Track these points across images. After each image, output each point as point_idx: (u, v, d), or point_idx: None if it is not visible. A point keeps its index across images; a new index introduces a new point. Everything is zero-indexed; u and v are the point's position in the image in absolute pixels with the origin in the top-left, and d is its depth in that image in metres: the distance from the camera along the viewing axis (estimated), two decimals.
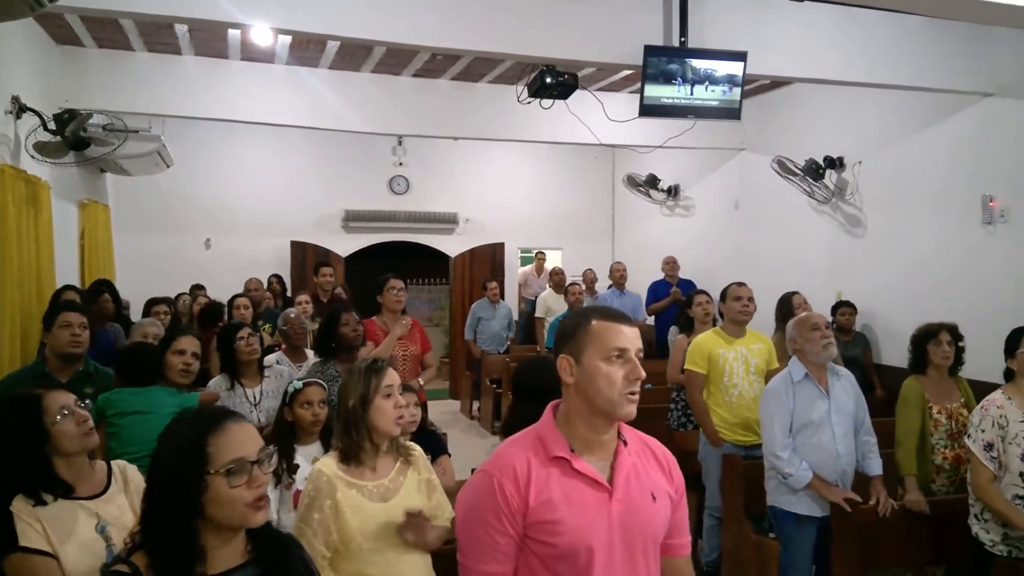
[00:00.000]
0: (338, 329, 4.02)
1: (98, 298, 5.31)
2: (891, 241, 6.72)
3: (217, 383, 3.97)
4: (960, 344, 3.94)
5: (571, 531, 1.60)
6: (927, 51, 5.58)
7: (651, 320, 8.63)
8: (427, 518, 2.31)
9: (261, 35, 5.82)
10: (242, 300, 5.76)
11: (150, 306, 5.67)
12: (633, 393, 1.64)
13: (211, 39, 6.53)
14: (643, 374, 1.66)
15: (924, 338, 3.95)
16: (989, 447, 3.11)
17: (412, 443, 2.57)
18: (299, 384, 3.15)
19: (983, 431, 3.13)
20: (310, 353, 4.70)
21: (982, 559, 3.14)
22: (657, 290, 8.49)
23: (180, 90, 6.91)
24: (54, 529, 2.01)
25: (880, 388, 6.29)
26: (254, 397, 3.93)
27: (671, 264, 8.57)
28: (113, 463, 2.28)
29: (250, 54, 6.89)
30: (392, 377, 2.44)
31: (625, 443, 1.72)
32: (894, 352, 6.38)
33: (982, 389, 3.58)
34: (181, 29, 6.17)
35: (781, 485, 3.62)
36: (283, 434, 3.08)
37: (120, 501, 2.21)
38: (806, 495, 3.55)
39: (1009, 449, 3.10)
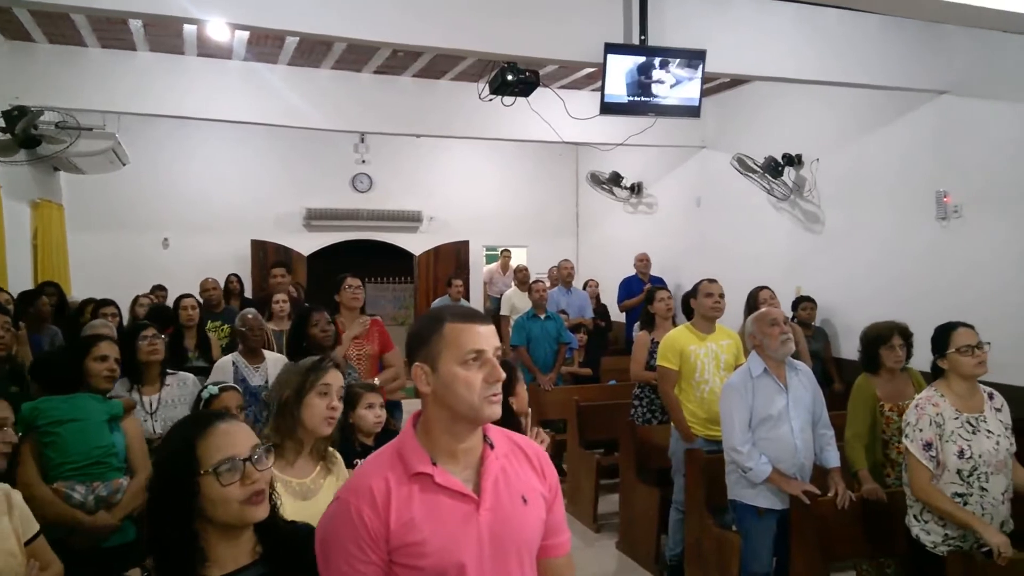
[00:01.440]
0: (308, 330, 3.96)
1: (35, 300, 5.15)
2: (848, 237, 6.83)
3: (115, 389, 3.80)
4: (910, 341, 3.98)
5: (437, 551, 1.50)
6: (883, 50, 5.68)
7: (623, 316, 8.70)
8: None
9: (217, 30, 5.73)
10: (188, 300, 5.62)
11: (99, 308, 5.51)
12: (495, 395, 1.55)
13: (166, 35, 6.41)
14: (503, 375, 1.56)
15: (876, 341, 3.94)
16: (928, 446, 3.07)
17: (336, 452, 2.51)
18: (215, 389, 3.00)
19: (921, 430, 3.10)
20: (268, 354, 4.60)
21: (923, 559, 3.15)
22: (630, 286, 8.55)
23: (135, 87, 6.77)
24: None
25: (839, 381, 6.39)
26: (151, 405, 3.72)
27: (644, 261, 8.63)
28: None
29: (207, 50, 6.78)
30: (333, 377, 2.39)
31: (492, 446, 1.63)
32: (852, 346, 6.46)
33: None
34: (135, 24, 6.05)
35: (741, 479, 3.66)
36: None
37: (3, 525, 2.17)
38: (766, 488, 3.60)
39: (946, 447, 3.07)
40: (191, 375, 4.12)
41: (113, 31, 6.26)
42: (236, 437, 1.60)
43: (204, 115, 7.28)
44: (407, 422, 1.66)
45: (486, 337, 1.57)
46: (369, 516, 1.50)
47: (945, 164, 5.87)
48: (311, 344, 3.94)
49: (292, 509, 2.18)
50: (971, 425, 3.08)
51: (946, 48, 5.71)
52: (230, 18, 4.33)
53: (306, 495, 2.30)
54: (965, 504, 3.04)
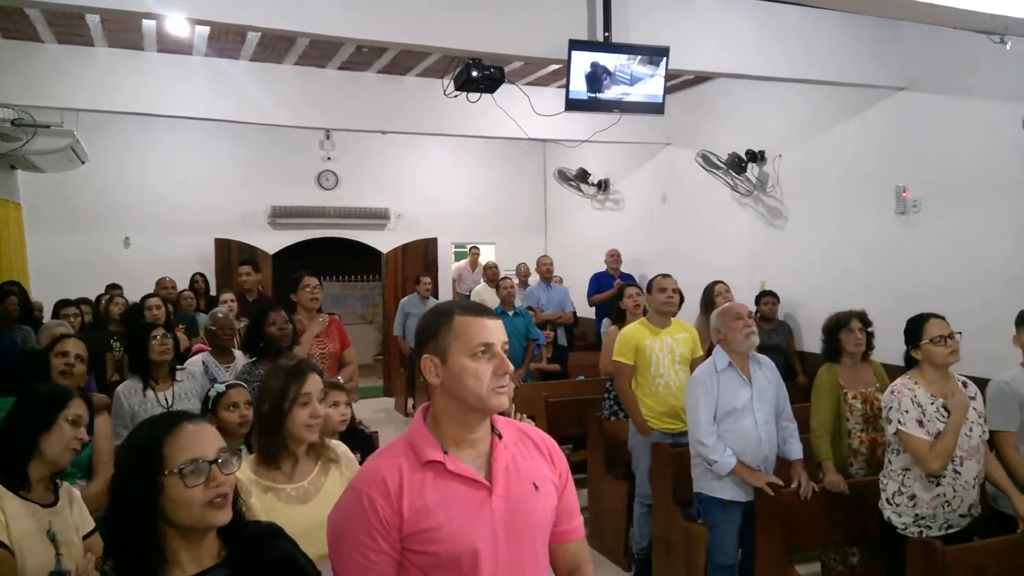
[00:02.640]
0: (265, 329, 3.92)
1: (3, 300, 5.06)
2: (810, 232, 6.93)
3: (128, 386, 3.83)
4: (870, 329, 4.07)
5: (451, 536, 1.53)
6: (843, 47, 5.76)
7: (592, 311, 8.74)
8: None
9: (177, 26, 5.63)
10: (154, 300, 5.57)
11: (59, 308, 5.43)
12: (502, 387, 1.59)
13: (125, 30, 6.28)
14: (511, 368, 1.62)
15: (836, 327, 4.04)
16: (920, 424, 3.13)
17: (336, 441, 2.53)
18: (221, 387, 3.04)
19: (907, 411, 3.15)
20: (238, 354, 4.58)
21: (894, 541, 3.23)
22: (600, 282, 8.58)
23: (93, 83, 6.63)
24: (13, 523, 2.09)
25: (802, 374, 6.49)
26: (166, 400, 3.81)
27: (614, 257, 8.67)
28: (60, 483, 2.36)
29: (167, 45, 6.66)
30: (312, 384, 2.39)
31: (500, 436, 1.67)
32: (815, 339, 6.56)
33: (897, 372, 3.69)
34: (93, 20, 5.92)
35: (707, 472, 3.70)
36: None
37: (67, 516, 2.28)
38: (731, 480, 3.65)
39: (925, 429, 3.15)
40: (197, 369, 4.25)
41: (70, 26, 6.12)
42: (203, 438, 1.57)
43: (165, 112, 7.14)
44: (417, 413, 1.69)
45: (494, 331, 1.61)
46: (381, 505, 1.53)
47: (904, 159, 5.98)
48: (268, 343, 3.90)
49: (292, 515, 2.21)
50: (946, 410, 3.15)
51: (903, 45, 5.82)
52: (189, 13, 4.26)
53: (305, 498, 2.29)
54: (937, 485, 3.13)
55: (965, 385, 3.28)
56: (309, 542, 2.22)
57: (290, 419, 2.31)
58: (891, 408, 3.24)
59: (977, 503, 3.22)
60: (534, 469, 1.68)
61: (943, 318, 3.28)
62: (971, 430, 3.15)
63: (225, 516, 1.57)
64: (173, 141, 9.77)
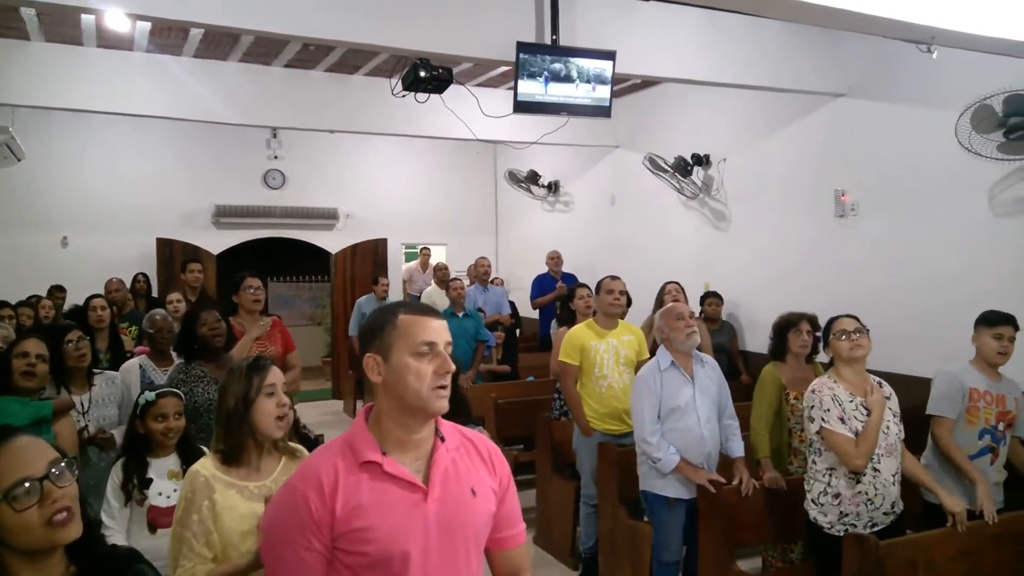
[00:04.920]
0: (196, 330, 3.83)
1: None
2: (753, 234, 7.08)
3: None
4: (818, 333, 4.16)
5: (383, 537, 1.53)
6: (785, 54, 5.90)
7: (536, 313, 8.76)
8: None
9: (117, 21, 5.49)
10: (98, 301, 5.42)
11: None
12: (443, 387, 1.60)
13: (63, 24, 6.11)
14: (452, 367, 1.63)
15: (785, 327, 4.15)
16: (842, 420, 3.19)
17: (298, 444, 2.50)
18: (151, 396, 2.89)
19: (828, 409, 3.21)
20: (177, 356, 4.47)
21: (820, 541, 3.30)
22: (542, 284, 8.62)
23: (29, 78, 6.42)
24: None
25: (746, 373, 6.63)
26: (82, 405, 3.71)
27: (555, 259, 8.72)
28: None
29: (107, 41, 6.49)
30: (275, 376, 2.38)
31: (443, 439, 1.67)
32: (758, 339, 6.72)
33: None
34: (28, 13, 5.74)
35: (651, 470, 3.76)
36: (134, 447, 2.85)
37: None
38: (675, 478, 3.71)
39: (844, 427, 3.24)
40: (117, 373, 4.15)
41: (4, 19, 5.92)
42: (27, 455, 1.43)
43: (105, 108, 6.96)
44: (359, 413, 1.68)
45: (438, 331, 1.62)
46: (315, 502, 1.52)
47: (842, 164, 6.15)
48: (201, 346, 3.82)
49: (250, 513, 2.19)
50: (865, 409, 3.23)
51: (843, 53, 5.99)
52: (129, 8, 4.17)
53: (268, 496, 2.24)
54: (858, 483, 3.19)
55: (881, 385, 3.37)
56: None
57: (256, 410, 2.28)
58: (812, 407, 3.28)
59: (899, 500, 3.30)
60: (474, 474, 1.68)
61: (854, 317, 3.37)
62: (888, 428, 3.23)
63: (73, 532, 1.45)
64: (113, 138, 9.53)
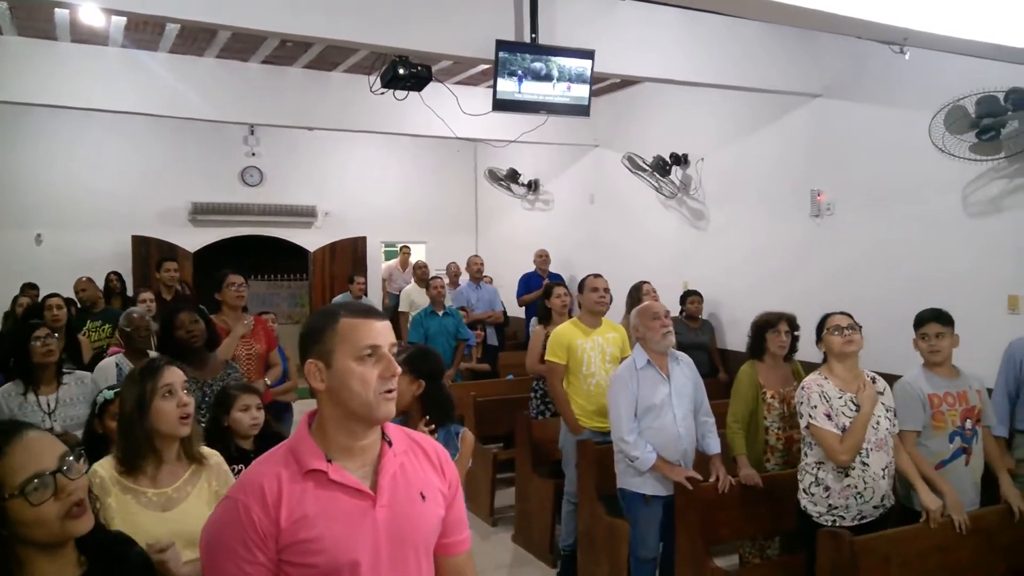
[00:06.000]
0: (173, 334, 3.78)
1: None
2: (731, 233, 7.13)
3: (7, 389, 3.66)
4: (796, 333, 4.20)
5: (330, 547, 1.47)
6: (763, 54, 5.94)
7: (522, 311, 8.77)
8: (168, 548, 2.02)
9: (91, 15, 5.42)
10: (54, 300, 5.33)
11: None
12: (389, 391, 1.54)
13: (36, 19, 6.02)
14: (398, 370, 1.56)
15: (764, 326, 4.16)
16: (828, 417, 3.25)
17: (212, 450, 2.42)
18: (109, 394, 2.84)
19: (815, 407, 3.28)
20: (154, 356, 4.42)
21: (810, 529, 3.35)
22: (529, 282, 8.64)
23: (2, 73, 6.34)
24: None
25: (724, 372, 6.68)
26: (48, 404, 3.66)
27: (543, 257, 8.74)
28: None
29: (81, 35, 6.40)
30: (172, 375, 2.30)
31: (390, 443, 1.61)
32: (735, 337, 6.78)
33: (813, 369, 3.83)
34: (0, 7, 5.65)
35: (629, 468, 3.77)
36: (93, 446, 2.77)
37: None
38: (652, 476, 3.72)
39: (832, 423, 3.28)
40: (88, 373, 4.07)
41: None
42: (39, 449, 1.45)
43: (79, 104, 6.88)
44: (301, 420, 1.62)
45: (382, 333, 1.55)
46: (258, 514, 1.45)
47: (818, 164, 6.21)
48: (180, 348, 3.76)
49: (149, 524, 2.10)
50: (854, 404, 3.28)
51: (820, 54, 6.04)
52: (103, 3, 4.12)
53: (167, 506, 2.19)
54: (846, 476, 3.25)
55: (874, 380, 3.42)
56: None
57: (154, 414, 2.22)
58: (801, 403, 3.37)
59: (890, 494, 3.34)
60: (423, 478, 1.64)
61: (847, 314, 3.43)
62: (878, 423, 3.28)
63: (87, 523, 1.48)
64: (88, 134, 9.42)
